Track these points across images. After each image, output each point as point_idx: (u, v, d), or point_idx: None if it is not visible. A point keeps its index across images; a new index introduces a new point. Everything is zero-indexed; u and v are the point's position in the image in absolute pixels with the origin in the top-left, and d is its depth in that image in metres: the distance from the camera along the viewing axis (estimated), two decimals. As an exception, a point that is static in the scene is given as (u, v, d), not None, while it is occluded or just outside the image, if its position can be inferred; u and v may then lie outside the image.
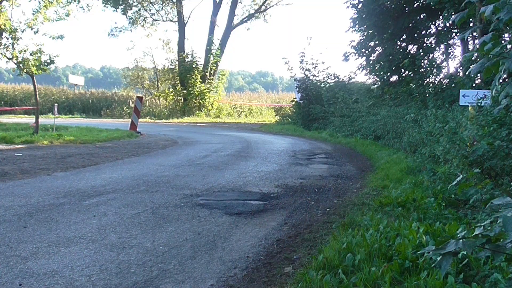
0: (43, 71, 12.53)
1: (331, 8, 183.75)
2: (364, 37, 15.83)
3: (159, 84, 32.58)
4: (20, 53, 12.29)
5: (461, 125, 6.48)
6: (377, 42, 15.62)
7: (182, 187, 6.13)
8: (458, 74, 13.67)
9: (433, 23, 15.18)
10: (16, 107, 26.67)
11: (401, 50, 15.21)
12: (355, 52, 16.00)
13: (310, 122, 18.34)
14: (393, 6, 14.72)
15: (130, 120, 16.07)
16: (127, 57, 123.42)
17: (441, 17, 12.85)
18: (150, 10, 30.87)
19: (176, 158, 9.30)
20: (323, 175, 7.48)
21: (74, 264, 3.26)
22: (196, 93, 27.96)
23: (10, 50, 12.24)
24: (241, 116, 29.95)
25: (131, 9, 29.80)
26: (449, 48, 15.09)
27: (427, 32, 15.51)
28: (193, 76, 27.86)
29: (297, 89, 19.77)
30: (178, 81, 28.95)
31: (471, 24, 11.07)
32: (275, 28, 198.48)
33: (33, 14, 12.65)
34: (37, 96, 13.70)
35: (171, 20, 31.31)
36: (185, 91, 28.12)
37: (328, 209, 5.08)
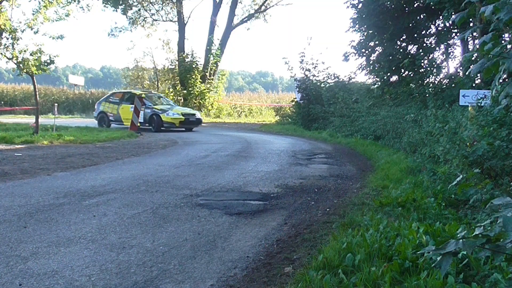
0: (43, 71, 12.54)
1: (331, 8, 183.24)
2: (364, 37, 15.82)
3: (159, 84, 32.52)
4: (20, 53, 12.30)
5: (461, 125, 6.48)
6: (377, 42, 15.60)
7: (182, 187, 6.13)
8: (458, 74, 13.65)
9: (433, 23, 15.17)
10: (16, 107, 26.69)
11: (401, 50, 15.20)
12: (355, 52, 15.98)
13: (310, 122, 18.34)
14: (393, 6, 14.70)
15: (130, 120, 16.07)
16: (127, 57, 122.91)
17: (441, 17, 12.84)
18: (150, 10, 30.83)
19: (176, 158, 9.30)
20: (323, 175, 7.48)
21: (74, 264, 3.26)
22: (196, 93, 27.95)
23: (10, 50, 12.25)
24: (241, 116, 29.96)
25: (131, 9, 29.77)
26: (449, 48, 15.08)
27: (427, 32, 15.50)
28: (193, 76, 27.85)
29: (297, 89, 19.78)
30: (178, 81, 28.93)
31: (471, 24, 11.07)
32: (275, 28, 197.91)
33: (33, 14, 12.66)
34: (37, 96, 13.69)
35: (171, 20, 31.28)
36: (185, 91, 28.10)
37: (328, 209, 5.08)
